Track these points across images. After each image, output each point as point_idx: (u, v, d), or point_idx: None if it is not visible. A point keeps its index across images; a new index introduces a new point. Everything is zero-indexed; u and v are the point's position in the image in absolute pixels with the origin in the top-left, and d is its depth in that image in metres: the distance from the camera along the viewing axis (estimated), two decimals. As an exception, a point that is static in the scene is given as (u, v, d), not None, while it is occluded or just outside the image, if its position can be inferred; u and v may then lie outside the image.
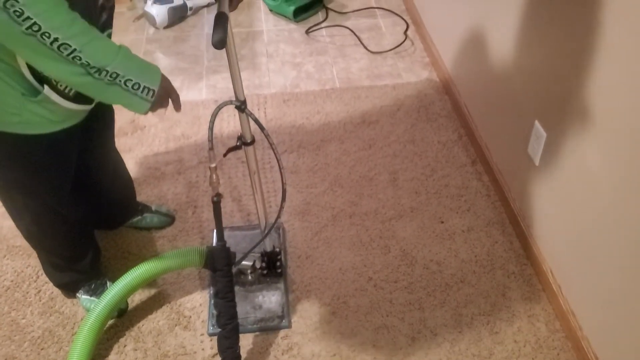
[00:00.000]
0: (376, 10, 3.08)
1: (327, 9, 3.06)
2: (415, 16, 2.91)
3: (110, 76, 1.10)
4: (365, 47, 2.80)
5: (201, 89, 2.58)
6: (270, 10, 3.07)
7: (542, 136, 1.68)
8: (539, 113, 1.71)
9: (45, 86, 1.16)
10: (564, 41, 1.52)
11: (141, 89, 1.16)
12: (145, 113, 1.22)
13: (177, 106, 1.30)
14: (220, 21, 1.20)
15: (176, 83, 2.61)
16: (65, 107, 1.23)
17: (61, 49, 1.01)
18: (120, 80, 1.12)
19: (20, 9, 0.94)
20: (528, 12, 1.71)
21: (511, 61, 1.87)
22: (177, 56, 2.79)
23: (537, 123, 1.71)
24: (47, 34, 0.98)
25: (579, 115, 1.48)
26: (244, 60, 2.74)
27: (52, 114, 1.23)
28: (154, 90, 1.19)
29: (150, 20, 2.93)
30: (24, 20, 0.95)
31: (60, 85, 1.19)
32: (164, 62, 2.75)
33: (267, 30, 2.96)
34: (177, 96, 1.30)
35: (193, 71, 2.69)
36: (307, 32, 2.92)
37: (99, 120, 1.51)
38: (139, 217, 1.93)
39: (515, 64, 1.84)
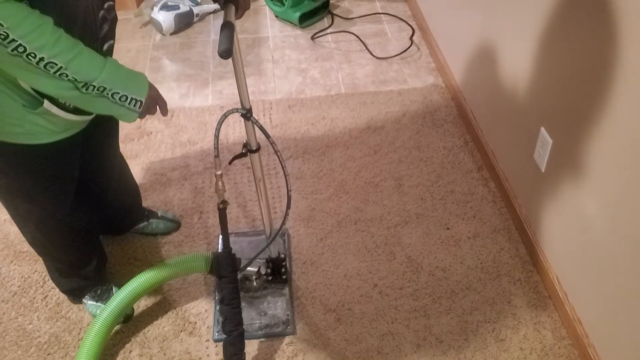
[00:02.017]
0: (382, 15, 3.09)
1: (332, 14, 3.07)
2: (421, 22, 2.91)
3: (98, 90, 1.12)
4: (371, 53, 2.81)
5: (207, 95, 2.59)
6: (276, 17, 3.09)
7: (548, 143, 1.68)
8: (545, 120, 1.71)
9: (45, 100, 1.17)
10: (571, 48, 1.52)
11: (128, 100, 1.19)
12: (134, 121, 1.25)
13: (164, 112, 1.32)
14: (227, 31, 1.20)
15: (182, 89, 2.62)
16: (65, 118, 1.24)
17: (47, 67, 1.03)
18: (107, 93, 1.14)
19: (4, 32, 0.95)
20: (535, 20, 1.71)
21: (517, 67, 1.87)
22: (183, 62, 2.80)
23: (543, 130, 1.71)
24: (32, 55, 1.00)
25: (586, 122, 1.47)
26: (250, 66, 2.75)
27: (53, 125, 1.24)
28: (141, 101, 1.21)
29: (157, 26, 2.95)
30: (9, 43, 0.96)
31: (61, 99, 1.20)
32: (170, 69, 2.76)
33: (272, 36, 2.97)
34: (165, 103, 1.31)
35: (199, 77, 2.70)
36: (313, 38, 2.93)
37: (102, 128, 1.51)
38: (145, 222, 1.94)
39: (521, 70, 1.84)
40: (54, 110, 1.20)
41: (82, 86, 1.10)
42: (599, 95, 1.40)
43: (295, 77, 2.69)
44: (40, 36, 1.00)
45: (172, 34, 2.97)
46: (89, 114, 1.31)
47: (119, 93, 1.16)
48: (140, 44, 2.92)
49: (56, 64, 1.03)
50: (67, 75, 1.06)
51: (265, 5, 3.16)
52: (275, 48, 2.89)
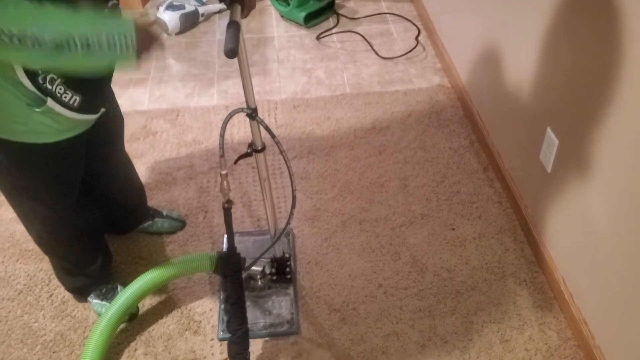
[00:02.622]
0: (387, 15, 3.08)
1: (338, 14, 3.07)
2: (427, 22, 2.91)
3: (82, 46, 1.01)
4: (377, 53, 2.81)
5: (212, 95, 2.59)
6: (282, 16, 3.09)
7: (554, 143, 1.67)
8: (551, 120, 1.70)
9: (49, 98, 1.17)
10: (577, 48, 1.52)
11: (118, 39, 1.04)
12: (134, 66, 1.12)
13: (159, 41, 1.17)
14: (233, 30, 1.20)
15: (187, 89, 2.62)
16: (69, 117, 1.24)
17: (14, 40, 0.95)
18: (94, 43, 1.02)
19: None
20: (540, 20, 1.70)
21: (523, 68, 1.86)
22: (188, 62, 2.80)
23: (549, 130, 1.70)
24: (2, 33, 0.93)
25: (592, 123, 1.47)
26: (255, 66, 2.75)
27: (57, 124, 1.24)
28: (132, 38, 1.06)
29: (162, 26, 2.96)
30: None
31: (65, 97, 1.20)
32: (175, 68, 2.77)
33: (278, 36, 2.97)
34: (155, 34, 1.17)
35: (204, 77, 2.70)
36: (318, 37, 2.93)
37: (106, 128, 1.52)
38: (150, 221, 1.94)
39: (527, 70, 1.83)
40: (58, 108, 1.20)
41: (62, 48, 0.99)
42: (604, 96, 1.40)
43: (300, 77, 2.69)
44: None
45: (177, 33, 2.97)
46: (94, 112, 1.32)
47: (102, 36, 1.03)
48: (146, 43, 2.92)
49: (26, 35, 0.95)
50: (40, 45, 0.96)
51: (270, 5, 3.16)
52: (281, 48, 2.89)
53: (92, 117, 1.32)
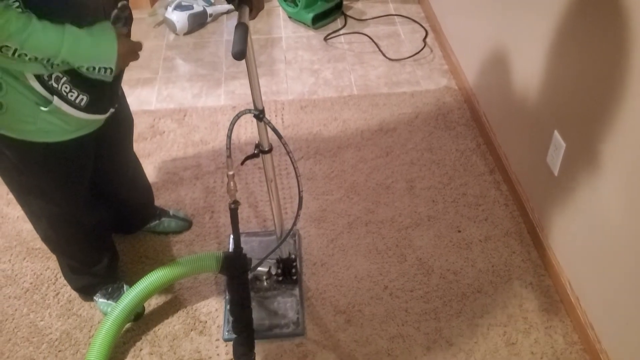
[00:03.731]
0: (395, 17, 3.08)
1: (345, 16, 3.07)
2: (435, 24, 2.90)
3: (63, 63, 1.12)
4: (384, 54, 2.80)
5: (220, 95, 2.60)
6: (289, 17, 3.09)
7: (561, 146, 1.66)
8: (558, 123, 1.69)
9: (55, 97, 1.18)
10: (585, 52, 1.51)
11: (97, 69, 1.19)
12: (111, 79, 1.25)
13: (136, 55, 1.27)
14: (241, 32, 1.20)
15: (195, 89, 2.63)
16: (77, 117, 1.25)
17: (3, 50, 1.03)
18: (75, 66, 1.15)
19: None
20: (549, 23, 1.69)
21: (531, 70, 1.85)
22: (196, 62, 2.81)
23: (556, 133, 1.69)
24: None
25: (599, 126, 1.46)
26: (263, 67, 2.76)
27: (65, 123, 1.25)
28: (111, 68, 1.20)
29: (171, 26, 2.96)
30: None
31: (71, 96, 1.20)
32: (183, 69, 2.77)
33: (285, 37, 2.97)
34: (139, 46, 1.27)
35: (212, 77, 2.71)
36: (326, 39, 2.93)
37: (116, 128, 1.52)
38: (157, 221, 1.95)
39: (534, 73, 1.83)
40: (65, 107, 1.21)
41: (47, 62, 1.11)
42: (612, 99, 1.39)
43: (307, 77, 2.69)
44: None
45: (185, 34, 2.98)
46: (102, 112, 1.32)
47: (84, 66, 1.16)
48: (154, 43, 2.93)
49: (10, 47, 1.03)
50: (26, 55, 1.06)
51: (278, 6, 3.17)
52: (288, 49, 2.89)
53: (100, 117, 1.33)
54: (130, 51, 1.23)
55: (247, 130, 2.37)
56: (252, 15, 1.37)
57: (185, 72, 2.75)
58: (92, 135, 1.35)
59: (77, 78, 1.20)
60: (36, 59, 1.07)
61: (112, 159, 1.60)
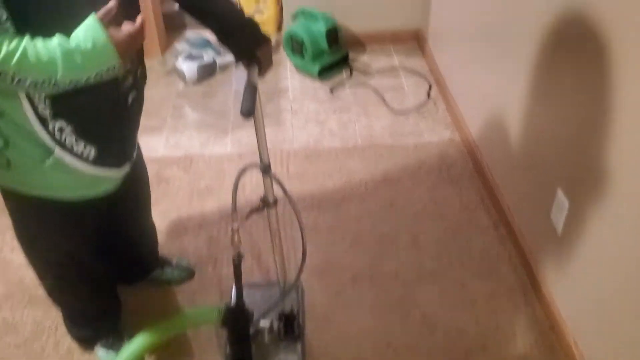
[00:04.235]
0: (400, 70, 3.14)
1: (351, 68, 3.13)
2: (439, 77, 2.96)
3: (70, 84, 1.03)
4: (388, 106, 2.85)
5: (227, 144, 2.63)
6: (296, 68, 3.15)
7: (565, 205, 1.67)
8: (562, 181, 1.70)
9: (57, 147, 1.15)
10: (589, 110, 1.53)
11: (102, 75, 1.06)
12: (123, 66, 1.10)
13: (142, 35, 1.12)
14: (249, 93, 1.23)
15: (202, 137, 2.67)
16: (84, 171, 1.22)
17: (0, 78, 0.97)
18: (81, 78, 1.04)
19: None
20: (553, 79, 1.73)
21: (533, 126, 1.88)
22: (204, 111, 2.86)
23: (559, 191, 1.70)
24: None
25: (604, 187, 1.47)
26: (269, 116, 2.80)
27: (73, 179, 1.23)
28: (114, 65, 1.07)
29: (180, 75, 3.03)
30: None
31: (77, 147, 1.18)
32: (191, 117, 2.82)
33: (292, 88, 3.03)
34: (140, 29, 1.09)
35: (219, 126, 2.75)
36: (332, 90, 2.99)
37: (131, 190, 1.50)
38: (160, 270, 1.94)
39: (538, 129, 1.85)
40: (68, 159, 1.18)
41: (51, 85, 1.01)
42: (616, 160, 1.40)
43: (313, 128, 2.73)
44: None
45: (194, 83, 3.04)
46: (115, 165, 1.29)
47: (90, 78, 1.04)
48: (164, 91, 2.99)
49: (6, 73, 0.96)
50: (26, 80, 0.98)
51: (286, 57, 3.24)
52: (295, 99, 2.94)
53: (113, 172, 1.31)
54: (128, 36, 1.07)
55: (253, 179, 2.38)
56: (262, 74, 1.41)
57: (193, 120, 2.80)
58: (102, 200, 1.33)
59: (82, 126, 1.17)
60: (36, 85, 1.00)
61: (125, 222, 1.60)
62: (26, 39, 0.97)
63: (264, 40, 1.41)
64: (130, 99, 1.27)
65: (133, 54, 1.12)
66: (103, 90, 1.16)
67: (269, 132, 2.67)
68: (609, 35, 1.40)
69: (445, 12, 2.89)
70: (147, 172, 1.64)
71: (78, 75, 1.02)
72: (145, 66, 1.35)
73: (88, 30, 1.01)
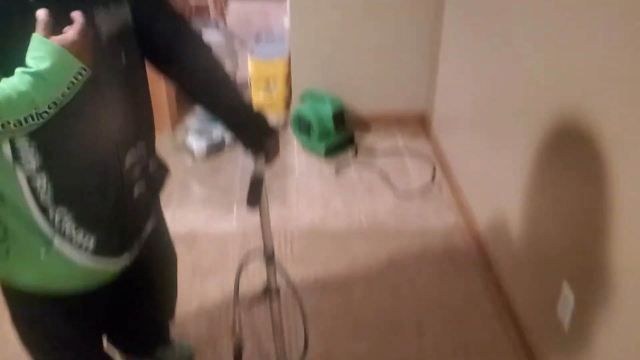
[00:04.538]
0: (405, 152, 3.20)
1: (357, 148, 3.19)
2: (443, 160, 3.00)
3: (52, 106, 0.97)
4: (393, 188, 2.88)
5: (232, 221, 2.65)
6: (303, 147, 3.22)
7: (571, 300, 1.65)
8: (568, 274, 1.69)
9: (57, 237, 1.14)
10: (591, 206, 1.54)
11: (76, 84, 1.00)
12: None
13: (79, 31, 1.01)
14: (256, 184, 1.26)
15: (207, 214, 2.69)
16: (79, 262, 1.19)
17: None
18: (62, 100, 0.99)
19: None
20: (556, 173, 1.75)
21: (539, 218, 1.89)
22: (211, 187, 2.90)
23: (565, 285, 1.69)
24: None
25: (609, 284, 1.46)
26: (275, 195, 2.83)
27: (66, 271, 1.20)
28: (80, 70, 1.00)
29: (189, 152, 3.09)
30: None
31: (77, 236, 1.16)
32: (198, 193, 2.86)
33: (298, 166, 3.08)
34: (82, 27, 1.01)
35: (225, 202, 2.77)
36: (337, 169, 3.03)
37: (140, 279, 1.47)
38: (161, 350, 1.90)
39: (543, 221, 1.86)
40: (67, 251, 1.16)
41: (36, 116, 0.96)
42: (619, 258, 1.40)
43: (318, 207, 2.75)
44: None
45: (203, 160, 3.09)
46: (108, 254, 1.25)
47: (66, 92, 0.98)
48: (172, 167, 3.03)
49: None
50: (10, 123, 0.93)
51: (293, 136, 3.31)
52: (301, 178, 2.98)
53: (110, 263, 1.26)
54: (76, 35, 1.00)
55: (256, 262, 2.38)
56: (268, 162, 1.43)
57: (200, 196, 2.83)
58: (108, 287, 1.31)
59: (83, 213, 1.16)
60: (21, 123, 0.94)
61: (138, 311, 1.57)
62: None
63: (271, 131, 1.44)
64: (136, 192, 1.27)
65: (91, 51, 1.03)
66: (107, 178, 1.17)
67: (274, 211, 2.68)
68: (610, 134, 1.43)
69: (450, 98, 2.98)
70: (172, 253, 1.61)
71: (54, 94, 0.97)
72: (159, 161, 1.37)
73: (38, 50, 0.97)
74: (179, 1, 3.82)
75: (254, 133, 1.41)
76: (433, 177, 2.96)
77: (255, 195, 1.24)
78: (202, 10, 4.23)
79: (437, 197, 2.83)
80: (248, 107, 1.43)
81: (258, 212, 1.40)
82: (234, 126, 1.42)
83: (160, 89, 3.15)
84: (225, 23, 4.38)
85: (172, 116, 3.37)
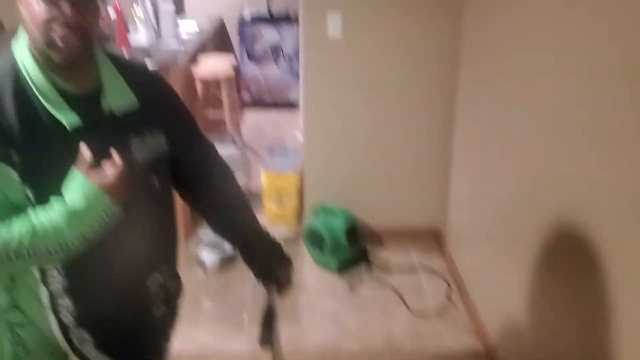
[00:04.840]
0: (420, 270, 3.14)
1: (370, 264, 3.15)
2: (458, 278, 2.95)
3: (75, 243, 1.04)
4: (408, 308, 2.80)
5: (242, 339, 2.57)
6: (315, 262, 3.18)
7: None
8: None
9: (74, 357, 1.15)
10: (610, 327, 1.49)
11: (105, 222, 1.06)
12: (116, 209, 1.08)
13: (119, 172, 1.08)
14: (269, 319, 1.23)
15: (217, 331, 2.62)
16: None
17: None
18: (91, 233, 1.05)
19: None
20: (576, 289, 1.71)
21: (558, 339, 1.81)
22: (222, 303, 2.84)
23: None
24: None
25: None
26: (285, 313, 2.75)
27: None
28: (112, 210, 1.06)
29: (201, 265, 3.07)
30: None
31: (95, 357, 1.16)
32: (208, 308, 2.80)
33: (310, 282, 3.03)
34: (120, 169, 1.07)
35: (235, 320, 2.71)
36: (350, 286, 2.98)
37: None
38: None
39: (563, 343, 1.78)
40: None
41: (64, 249, 1.03)
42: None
43: (330, 327, 2.68)
44: None
45: (214, 273, 3.07)
46: (126, 354, 1.25)
47: (95, 227, 1.04)
48: (183, 279, 3.00)
49: (23, 255, 1.00)
50: (41, 255, 1.01)
51: (305, 250, 3.29)
52: (312, 294, 2.93)
53: None
54: (115, 177, 1.06)
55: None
56: (281, 292, 1.41)
57: (210, 312, 2.77)
58: None
59: (102, 335, 1.17)
60: (50, 254, 1.01)
61: None
62: (33, 216, 1.02)
63: (285, 260, 1.43)
64: (155, 311, 1.28)
65: (126, 191, 1.09)
66: (128, 301, 1.17)
67: (284, 330, 2.60)
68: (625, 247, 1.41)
69: (463, 213, 2.98)
70: None
71: (84, 231, 1.03)
72: (178, 280, 1.36)
73: (77, 189, 1.02)
74: (199, 117, 3.99)
75: (267, 261, 1.40)
76: (448, 296, 2.89)
77: (268, 332, 1.21)
78: (219, 124, 4.38)
79: (453, 317, 2.75)
80: (263, 232, 1.43)
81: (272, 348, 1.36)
82: (247, 255, 1.42)
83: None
84: (240, 136, 4.52)
85: (186, 228, 3.39)
